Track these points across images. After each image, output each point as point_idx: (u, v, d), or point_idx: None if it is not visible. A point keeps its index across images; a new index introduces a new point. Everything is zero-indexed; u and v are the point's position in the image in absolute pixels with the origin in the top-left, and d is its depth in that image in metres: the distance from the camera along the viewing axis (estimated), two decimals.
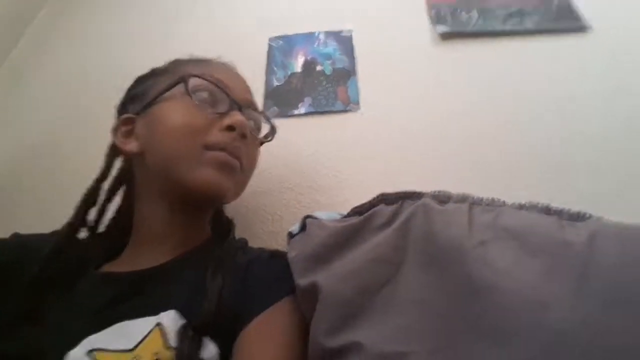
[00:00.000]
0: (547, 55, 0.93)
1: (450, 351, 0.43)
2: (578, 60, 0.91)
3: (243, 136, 0.60)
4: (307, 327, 0.52)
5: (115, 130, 0.63)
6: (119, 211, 0.66)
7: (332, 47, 1.02)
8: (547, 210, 0.52)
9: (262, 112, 0.71)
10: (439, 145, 0.81)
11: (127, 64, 1.01)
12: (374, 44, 1.00)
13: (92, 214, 0.62)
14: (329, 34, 1.04)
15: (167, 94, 0.61)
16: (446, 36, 0.99)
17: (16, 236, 0.62)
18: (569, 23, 0.97)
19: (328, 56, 1.00)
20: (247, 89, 0.68)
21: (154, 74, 0.66)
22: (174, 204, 0.60)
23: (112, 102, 0.67)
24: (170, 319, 0.48)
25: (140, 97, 0.63)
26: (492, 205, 0.55)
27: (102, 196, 0.64)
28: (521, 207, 0.55)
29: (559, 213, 0.53)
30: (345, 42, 1.02)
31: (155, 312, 0.49)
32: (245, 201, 0.73)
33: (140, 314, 0.49)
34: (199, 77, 0.60)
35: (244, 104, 0.63)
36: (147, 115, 0.61)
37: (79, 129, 0.95)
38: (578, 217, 0.51)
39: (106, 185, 0.64)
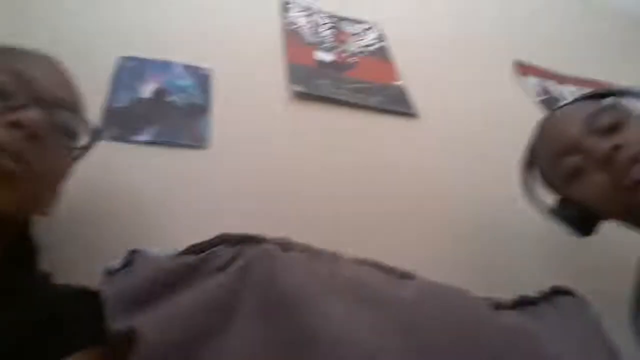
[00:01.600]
0: (383, 132, 1.05)
1: None
2: (406, 139, 1.05)
3: (32, 136, 0.48)
4: None
5: None
6: None
7: (188, 80, 0.98)
8: (379, 266, 0.56)
9: (76, 113, 0.58)
10: (283, 195, 0.83)
11: None
12: (231, 86, 1.00)
13: None
14: (187, 67, 1.01)
15: None
16: (300, 96, 1.04)
17: None
18: (403, 107, 1.13)
19: (183, 89, 0.96)
20: (63, 86, 0.57)
21: None
22: None
23: None
24: None
25: None
26: (332, 257, 0.57)
27: None
28: (358, 262, 0.57)
29: (389, 270, 0.57)
30: (202, 78, 1.00)
31: None
32: (60, 228, 0.61)
33: None
34: None
35: (51, 102, 0.53)
36: None
37: None
38: (406, 275, 0.55)
39: None
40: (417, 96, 1.16)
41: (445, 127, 1.11)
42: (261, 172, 0.85)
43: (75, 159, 0.59)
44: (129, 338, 0.43)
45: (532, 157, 0.75)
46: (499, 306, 0.60)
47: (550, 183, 0.71)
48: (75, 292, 0.50)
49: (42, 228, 0.57)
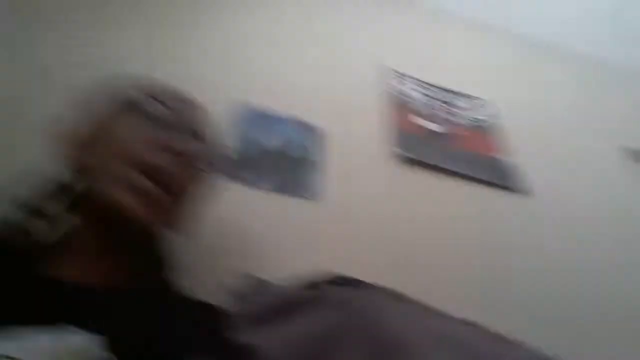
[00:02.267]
0: (490, 205, 1.04)
1: None
2: (514, 215, 1.02)
3: (185, 162, 0.55)
4: None
5: (67, 141, 0.59)
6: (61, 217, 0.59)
7: (305, 136, 1.07)
8: (485, 331, 0.54)
9: (212, 145, 0.66)
10: (385, 251, 0.85)
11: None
12: (342, 145, 1.06)
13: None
14: (304, 124, 1.09)
15: (115, 111, 0.58)
16: (407, 161, 1.08)
17: None
18: (511, 183, 1.11)
19: (301, 144, 1.04)
20: (201, 120, 0.64)
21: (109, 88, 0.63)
22: (100, 221, 0.54)
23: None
24: (78, 340, 0.41)
25: (91, 108, 0.61)
26: (441, 314, 0.56)
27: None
28: (465, 322, 0.56)
29: (497, 336, 0.54)
30: (317, 135, 1.08)
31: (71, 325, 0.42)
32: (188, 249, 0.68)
33: (59, 329, 0.42)
34: (145, 95, 0.59)
35: (201, 136, 0.60)
36: (100, 134, 0.58)
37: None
38: (513, 343, 0.53)
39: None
40: (528, 174, 1.14)
41: (556, 206, 1.08)
42: (368, 225, 0.88)
43: (212, 188, 0.67)
44: (248, 352, 0.46)
45: None
46: None
47: None
48: (205, 305, 0.55)
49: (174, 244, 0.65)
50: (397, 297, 0.56)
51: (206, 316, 0.53)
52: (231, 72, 1.16)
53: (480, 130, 1.28)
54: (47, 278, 0.50)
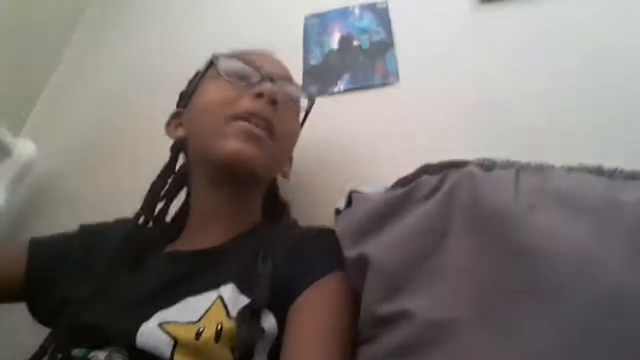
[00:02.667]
0: (587, 15, 0.88)
1: (500, 314, 0.44)
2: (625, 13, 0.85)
3: (273, 102, 0.61)
4: (357, 299, 0.54)
5: (167, 123, 0.70)
6: (185, 199, 0.71)
7: (367, 20, 1.01)
8: (598, 171, 0.52)
9: (297, 85, 0.72)
10: (480, 113, 0.80)
11: (179, 53, 1.06)
12: (409, 13, 0.99)
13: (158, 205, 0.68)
14: (363, 6, 1.04)
15: (203, 80, 0.66)
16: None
17: (83, 226, 0.68)
18: None
19: (364, 30, 1.00)
20: (281, 66, 0.70)
21: (197, 72, 0.71)
22: (216, 183, 0.63)
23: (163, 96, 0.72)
24: (229, 292, 0.52)
25: (186, 94, 0.70)
26: (540, 169, 0.55)
27: (167, 188, 0.69)
28: (571, 169, 0.54)
29: (611, 173, 0.52)
30: (380, 14, 1.01)
31: (215, 287, 0.53)
32: (288, 181, 0.75)
33: (202, 289, 0.54)
34: (227, 56, 0.65)
35: (276, 77, 0.65)
36: (189, 105, 0.67)
37: (136, 122, 1.00)
38: (632, 176, 0.50)
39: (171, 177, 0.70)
40: None
41: None
42: (452, 95, 0.84)
43: (302, 121, 0.72)
44: (362, 263, 0.53)
45: None
46: None
47: None
48: (317, 231, 0.63)
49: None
50: (490, 166, 0.56)
51: (324, 241, 0.61)
52: None
53: None
54: (178, 252, 0.62)
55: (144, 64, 1.10)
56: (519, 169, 0.55)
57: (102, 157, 0.96)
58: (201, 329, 0.49)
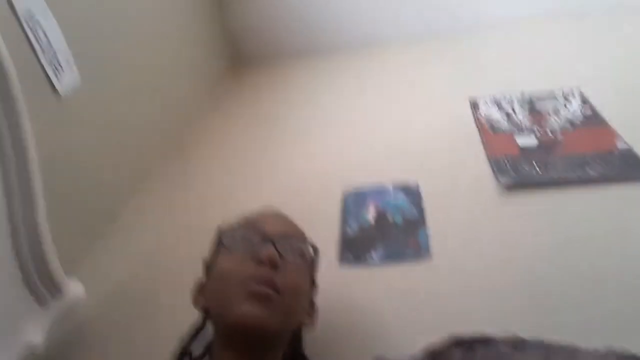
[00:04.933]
0: (612, 204, 0.98)
1: None
2: None
3: (274, 266, 0.68)
4: None
5: (192, 293, 0.79)
6: None
7: (401, 198, 1.14)
8: (626, 357, 0.53)
9: (300, 237, 0.78)
10: (506, 293, 0.85)
11: (230, 214, 1.22)
12: (439, 195, 1.12)
13: None
14: (397, 186, 1.18)
15: (218, 252, 0.76)
16: (509, 187, 1.08)
17: None
18: (635, 171, 1.04)
19: (398, 207, 1.12)
20: (282, 222, 0.79)
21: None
22: (233, 345, 0.67)
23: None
24: None
25: (207, 265, 0.79)
26: (571, 351, 0.57)
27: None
28: (600, 355, 0.56)
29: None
30: (413, 193, 1.14)
31: None
32: (314, 330, 0.78)
33: None
34: (230, 227, 0.77)
35: (277, 236, 0.73)
36: (210, 276, 0.76)
37: (175, 280, 1.08)
38: None
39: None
40: None
41: None
42: (483, 272, 0.90)
43: (312, 275, 0.78)
44: None
45: None
46: None
47: None
48: None
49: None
50: (520, 345, 0.59)
51: None
52: (332, 164, 1.33)
53: (579, 126, 1.23)
54: None
55: (188, 225, 1.23)
56: (549, 350, 0.57)
57: (139, 314, 1.02)
58: None
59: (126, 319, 1.01)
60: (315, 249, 0.80)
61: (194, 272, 0.98)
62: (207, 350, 0.75)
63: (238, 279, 0.67)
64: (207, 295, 0.74)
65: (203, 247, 1.09)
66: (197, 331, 0.77)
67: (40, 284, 0.91)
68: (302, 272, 0.76)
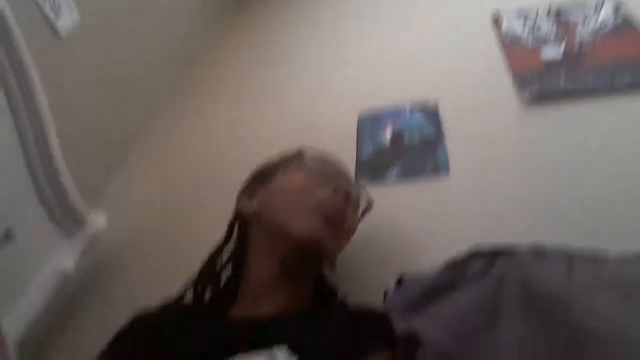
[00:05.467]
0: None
1: None
2: None
3: (347, 196, 0.72)
4: None
5: (239, 196, 0.80)
6: (234, 270, 0.78)
7: (418, 118, 1.11)
8: None
9: (360, 186, 0.83)
10: (529, 202, 0.85)
11: (244, 142, 1.19)
12: (459, 114, 1.09)
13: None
14: (414, 105, 1.14)
15: (287, 167, 0.78)
16: (533, 99, 1.04)
17: (136, 322, 0.69)
18: None
19: (415, 128, 1.09)
20: (347, 174, 0.83)
21: (274, 160, 0.82)
22: (285, 259, 0.69)
23: (233, 174, 0.83)
24: (283, 356, 0.55)
25: (264, 174, 0.80)
26: (594, 257, 0.57)
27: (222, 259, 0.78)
28: (625, 258, 0.56)
29: None
30: (431, 113, 1.11)
31: (268, 350, 0.56)
32: (334, 273, 0.80)
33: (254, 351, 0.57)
34: (312, 155, 0.79)
35: (346, 178, 0.79)
36: (268, 185, 0.77)
37: (190, 208, 1.10)
38: None
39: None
40: None
41: None
42: (503, 186, 0.89)
43: (361, 218, 0.81)
44: (413, 340, 0.55)
45: None
46: None
47: None
48: (367, 311, 0.66)
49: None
50: (541, 254, 0.59)
51: (374, 321, 0.64)
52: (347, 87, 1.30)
53: (609, 34, 1.16)
54: (235, 319, 0.67)
55: (211, 150, 1.24)
56: (572, 257, 0.57)
57: (165, 233, 1.05)
58: None
59: (148, 245, 1.04)
60: (371, 202, 0.82)
61: (209, 201, 1.00)
62: (232, 258, 0.78)
63: (314, 198, 0.70)
64: (262, 201, 0.75)
65: (216, 175, 1.10)
66: (224, 244, 0.79)
67: (64, 217, 0.95)
68: (356, 216, 0.79)
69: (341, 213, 0.71)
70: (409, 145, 1.06)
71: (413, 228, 0.87)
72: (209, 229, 0.82)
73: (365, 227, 0.82)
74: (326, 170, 0.77)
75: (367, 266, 0.82)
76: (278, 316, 0.65)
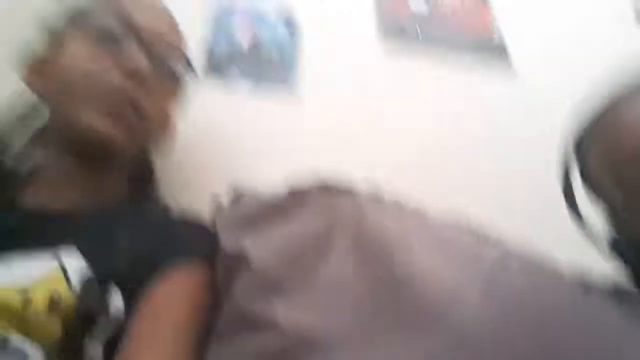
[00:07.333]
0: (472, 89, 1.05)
1: (367, 337, 0.47)
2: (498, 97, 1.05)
3: (141, 83, 0.56)
4: (216, 290, 0.54)
5: (26, 65, 0.59)
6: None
7: (281, 31, 1.04)
8: (467, 227, 0.60)
9: (179, 49, 0.64)
10: (371, 141, 0.89)
11: None
12: (321, 36, 1.05)
13: None
14: (279, 17, 1.06)
15: (72, 29, 0.58)
16: (391, 50, 1.07)
17: None
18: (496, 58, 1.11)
19: (276, 40, 1.02)
20: (162, 18, 0.62)
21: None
22: (71, 149, 0.57)
23: None
24: (72, 259, 0.46)
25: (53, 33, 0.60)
26: (418, 213, 0.61)
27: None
28: (444, 220, 0.62)
29: (477, 232, 0.60)
30: (294, 29, 1.05)
31: (55, 250, 0.47)
32: (171, 163, 0.71)
33: (37, 251, 0.47)
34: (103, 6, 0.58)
35: (151, 38, 0.58)
36: (57, 56, 0.57)
37: None
38: (494, 240, 0.59)
39: None
40: (514, 48, 1.12)
41: (546, 86, 1.06)
42: (350, 119, 0.91)
43: (179, 98, 0.66)
44: (239, 258, 0.52)
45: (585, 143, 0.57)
46: (588, 289, 0.53)
47: (601, 191, 0.56)
48: (186, 217, 0.61)
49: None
50: (378, 200, 0.61)
51: (190, 230, 0.58)
52: None
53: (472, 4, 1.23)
54: (20, 207, 0.54)
55: None
56: (401, 207, 0.61)
57: None
58: (30, 296, 0.42)
59: None
60: (191, 65, 0.65)
61: None
62: (35, 139, 0.61)
63: (96, 83, 0.53)
64: (47, 79, 0.57)
65: None
66: (27, 115, 0.62)
67: None
68: (173, 97, 0.63)
69: (134, 104, 0.55)
70: (267, 57, 0.99)
71: (254, 143, 0.83)
72: None
73: (206, 134, 0.74)
74: (108, 32, 0.56)
75: (199, 174, 0.75)
76: (75, 212, 0.54)
